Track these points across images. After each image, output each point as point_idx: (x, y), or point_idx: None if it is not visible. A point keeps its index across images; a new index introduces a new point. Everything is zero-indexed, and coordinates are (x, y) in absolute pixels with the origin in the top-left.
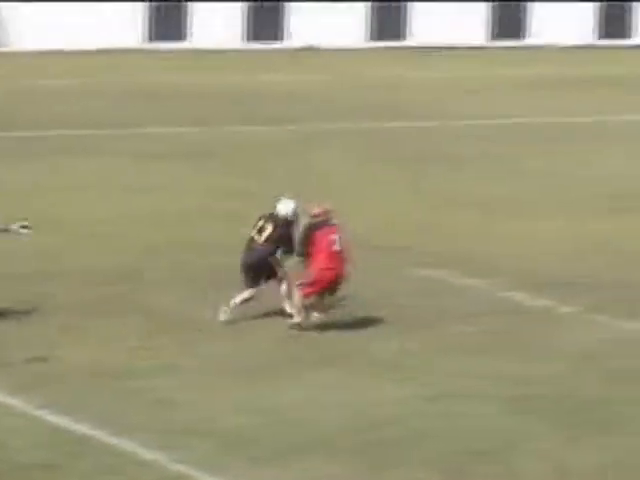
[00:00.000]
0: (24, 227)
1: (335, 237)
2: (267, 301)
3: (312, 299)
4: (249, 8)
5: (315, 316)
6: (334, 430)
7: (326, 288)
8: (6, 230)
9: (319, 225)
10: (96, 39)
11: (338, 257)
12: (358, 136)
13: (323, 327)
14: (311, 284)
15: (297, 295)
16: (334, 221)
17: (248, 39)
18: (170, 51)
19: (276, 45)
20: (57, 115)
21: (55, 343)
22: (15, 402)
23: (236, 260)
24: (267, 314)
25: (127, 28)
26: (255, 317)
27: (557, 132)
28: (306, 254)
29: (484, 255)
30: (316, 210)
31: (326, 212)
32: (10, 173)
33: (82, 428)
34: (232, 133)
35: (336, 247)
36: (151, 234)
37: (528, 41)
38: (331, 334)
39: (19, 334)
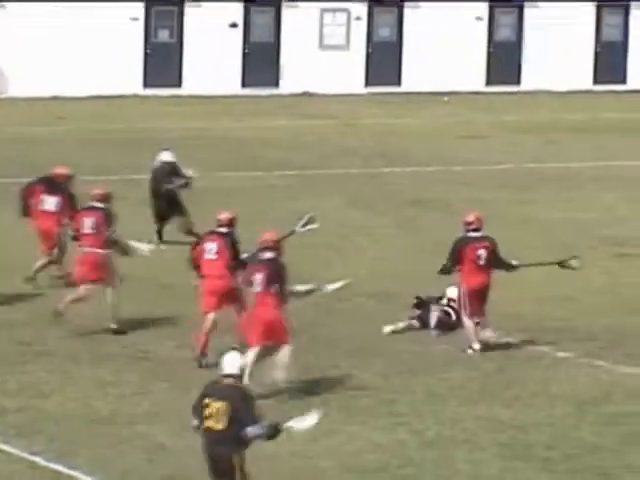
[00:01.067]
0: (309, 222)
1: (482, 252)
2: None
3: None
4: (245, 54)
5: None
6: (327, 477)
7: (478, 303)
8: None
9: (469, 239)
10: (90, 86)
11: (481, 271)
12: (353, 181)
13: (320, 372)
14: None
15: (466, 322)
16: (484, 233)
17: (244, 85)
18: (165, 97)
19: (272, 91)
20: (53, 162)
21: (49, 389)
22: (11, 448)
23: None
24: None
25: (122, 75)
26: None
27: (552, 177)
28: (455, 270)
29: None
30: (469, 218)
31: (479, 220)
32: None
33: (77, 474)
34: (225, 179)
35: (481, 262)
36: (153, 280)
37: (523, 86)
38: (327, 380)
39: (14, 379)
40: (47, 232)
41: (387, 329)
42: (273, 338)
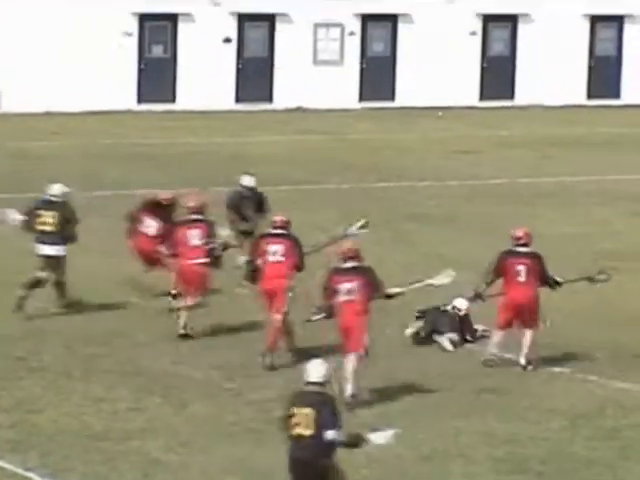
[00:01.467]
0: (362, 227)
1: (521, 268)
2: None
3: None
4: (238, 69)
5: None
6: None
7: (510, 318)
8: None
9: (512, 253)
10: (84, 101)
11: (520, 287)
12: (347, 196)
13: None
14: (499, 316)
15: (493, 333)
16: (529, 248)
17: (237, 100)
18: (160, 112)
19: (266, 106)
20: (55, 177)
21: (43, 404)
22: (5, 463)
23: (225, 321)
24: (263, 374)
25: (116, 90)
26: (248, 378)
27: (547, 192)
28: (493, 282)
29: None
30: (519, 233)
31: (528, 236)
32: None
33: None
34: (220, 194)
35: (520, 278)
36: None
37: (517, 101)
38: None
39: (8, 395)
40: (146, 254)
41: (408, 332)
42: (348, 346)
